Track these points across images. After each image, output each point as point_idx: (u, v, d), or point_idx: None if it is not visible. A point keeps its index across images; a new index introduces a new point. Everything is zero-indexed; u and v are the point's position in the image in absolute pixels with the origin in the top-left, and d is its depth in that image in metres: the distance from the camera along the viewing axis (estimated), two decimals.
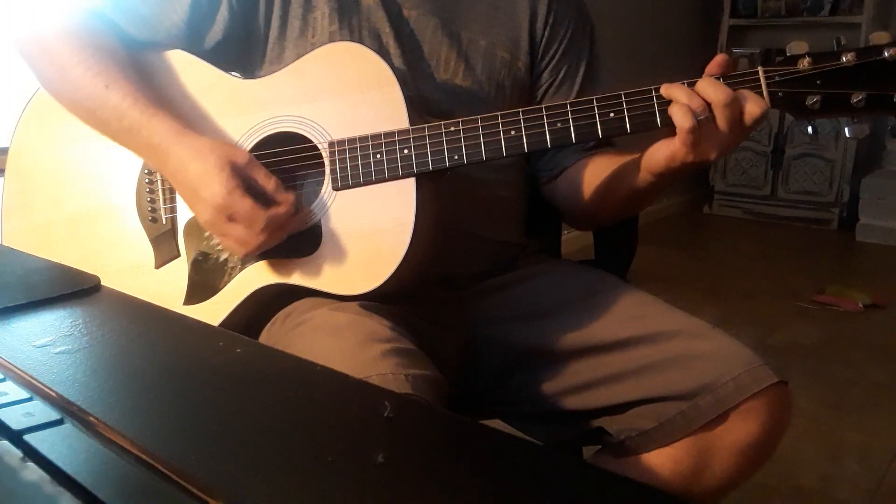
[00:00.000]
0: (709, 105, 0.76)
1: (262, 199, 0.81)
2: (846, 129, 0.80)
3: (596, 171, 0.97)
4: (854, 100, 0.77)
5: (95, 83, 0.84)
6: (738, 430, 0.81)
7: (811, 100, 0.78)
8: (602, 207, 0.97)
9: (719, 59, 0.80)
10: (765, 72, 0.78)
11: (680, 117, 0.77)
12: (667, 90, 0.79)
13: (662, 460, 0.85)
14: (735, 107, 0.76)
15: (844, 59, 0.76)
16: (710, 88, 0.76)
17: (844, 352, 2.35)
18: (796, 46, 0.79)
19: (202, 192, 0.80)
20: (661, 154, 0.81)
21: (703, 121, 0.76)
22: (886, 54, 0.75)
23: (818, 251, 3.68)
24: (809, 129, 0.82)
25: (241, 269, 0.88)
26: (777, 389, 0.80)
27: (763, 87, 0.78)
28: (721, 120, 0.76)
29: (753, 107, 0.77)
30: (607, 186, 0.95)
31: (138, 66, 0.89)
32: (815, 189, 4.04)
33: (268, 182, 0.82)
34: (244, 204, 0.79)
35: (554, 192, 1.04)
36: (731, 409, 0.80)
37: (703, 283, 3.03)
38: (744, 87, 0.78)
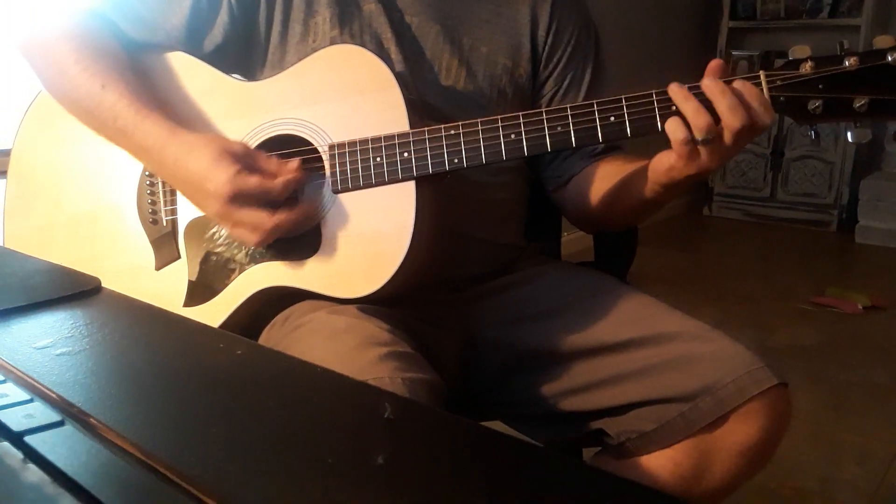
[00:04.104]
0: (717, 120, 0.75)
1: (269, 177, 0.81)
2: (849, 134, 0.79)
3: (604, 179, 0.97)
4: (857, 104, 0.76)
5: (93, 83, 0.85)
6: (739, 432, 0.81)
7: (813, 104, 0.77)
8: (611, 215, 0.97)
9: (714, 65, 0.78)
10: (766, 76, 0.77)
11: (672, 129, 0.76)
12: (676, 96, 0.77)
13: (662, 462, 0.85)
14: (745, 124, 0.75)
15: (847, 63, 0.75)
16: (729, 113, 0.74)
17: (844, 354, 2.35)
18: (799, 50, 0.78)
19: (207, 187, 0.80)
20: (662, 165, 0.81)
21: (710, 139, 0.75)
22: (890, 58, 0.74)
23: (817, 253, 3.68)
24: (811, 133, 0.81)
25: (240, 272, 0.88)
26: (777, 391, 0.80)
27: (765, 91, 0.77)
28: (728, 136, 0.75)
29: (764, 116, 0.75)
30: (615, 195, 0.95)
31: (138, 68, 0.89)
32: (814, 191, 4.04)
33: (268, 162, 0.82)
34: (252, 181, 0.79)
35: (563, 199, 1.04)
36: (732, 410, 0.80)
37: (703, 285, 3.03)
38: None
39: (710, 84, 0.76)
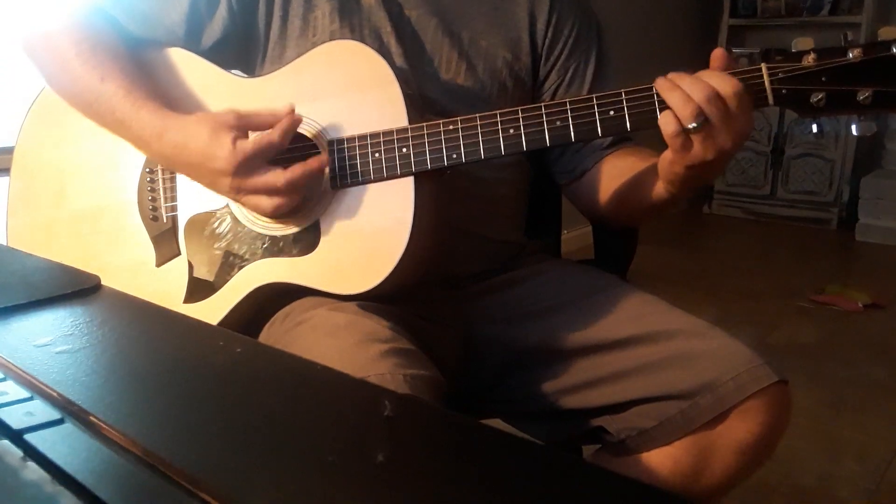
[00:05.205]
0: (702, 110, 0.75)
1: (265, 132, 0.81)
2: (853, 127, 0.78)
3: (615, 178, 0.97)
4: (860, 97, 0.75)
5: (92, 76, 0.85)
6: (738, 430, 0.81)
7: (816, 97, 0.76)
8: (622, 212, 0.98)
9: (718, 54, 0.78)
10: (768, 68, 0.77)
11: (663, 123, 0.76)
12: (661, 88, 0.77)
13: (662, 459, 0.85)
14: (721, 99, 0.75)
15: (851, 54, 0.74)
16: (698, 93, 0.75)
17: (844, 351, 2.35)
18: (801, 42, 0.77)
19: (211, 166, 0.80)
20: (664, 162, 0.81)
21: (699, 126, 0.75)
22: (894, 50, 0.73)
23: (818, 251, 3.68)
24: (814, 127, 0.80)
25: (240, 268, 0.88)
26: (777, 389, 0.80)
27: (766, 83, 0.77)
28: (715, 118, 0.75)
29: (727, 86, 0.75)
30: (626, 193, 0.95)
31: (138, 63, 0.89)
32: (814, 189, 4.04)
33: (261, 116, 0.82)
34: (249, 144, 0.79)
35: (576, 194, 1.04)
36: (731, 408, 0.80)
37: (703, 283, 3.03)
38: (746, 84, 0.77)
39: (672, 75, 0.77)
